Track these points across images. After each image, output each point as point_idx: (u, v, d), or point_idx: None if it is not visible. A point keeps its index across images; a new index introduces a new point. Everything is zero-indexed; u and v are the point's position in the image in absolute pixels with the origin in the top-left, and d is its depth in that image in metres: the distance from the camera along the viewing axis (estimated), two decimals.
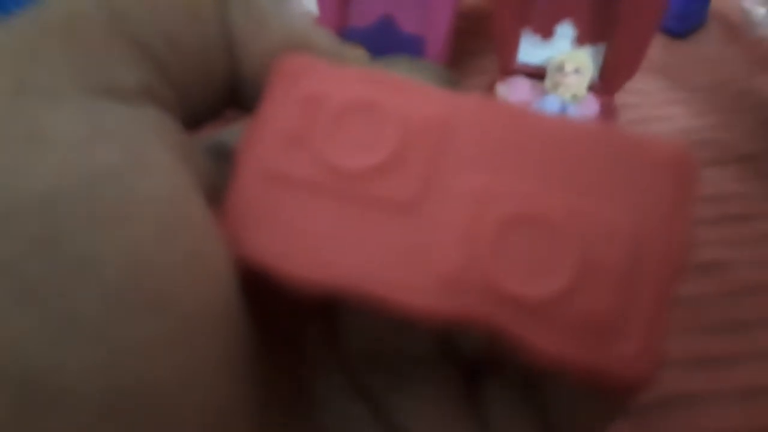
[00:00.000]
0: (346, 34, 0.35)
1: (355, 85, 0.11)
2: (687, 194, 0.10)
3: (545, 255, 0.09)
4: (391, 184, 0.10)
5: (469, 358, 0.13)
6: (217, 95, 0.11)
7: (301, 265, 0.10)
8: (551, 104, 0.32)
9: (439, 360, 0.12)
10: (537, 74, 0.34)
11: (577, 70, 0.32)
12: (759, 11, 0.44)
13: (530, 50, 0.34)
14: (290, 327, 0.12)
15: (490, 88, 0.34)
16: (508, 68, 0.34)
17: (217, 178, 0.11)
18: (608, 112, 0.33)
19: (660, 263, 0.09)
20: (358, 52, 0.12)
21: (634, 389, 0.09)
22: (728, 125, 0.36)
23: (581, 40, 0.33)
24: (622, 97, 0.36)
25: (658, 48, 0.41)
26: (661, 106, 0.37)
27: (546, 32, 0.34)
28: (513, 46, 0.34)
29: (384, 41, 0.34)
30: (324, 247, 0.10)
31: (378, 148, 0.10)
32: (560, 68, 0.32)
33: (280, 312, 0.12)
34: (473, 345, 0.13)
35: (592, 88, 0.33)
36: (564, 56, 0.32)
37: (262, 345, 0.11)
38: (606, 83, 0.33)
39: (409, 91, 0.11)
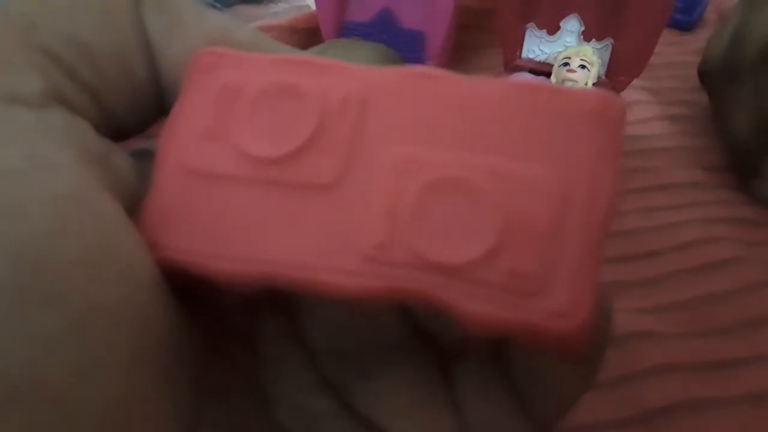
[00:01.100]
0: (345, 28, 0.35)
1: (271, 70, 0.11)
2: (613, 144, 0.09)
3: (468, 219, 0.09)
4: (311, 167, 0.10)
5: (439, 339, 0.12)
6: (143, 103, 0.11)
7: (222, 260, 0.10)
8: None
9: (410, 344, 0.12)
10: (542, 70, 0.33)
11: (583, 66, 0.31)
12: None
13: (535, 46, 0.34)
14: (243, 324, 0.12)
15: None
16: (513, 64, 0.34)
17: (145, 180, 0.11)
18: None
19: (586, 216, 0.09)
20: (280, 45, 0.12)
21: (566, 343, 0.09)
22: None
23: (587, 35, 0.33)
24: (629, 95, 0.35)
25: (665, 44, 0.40)
26: (670, 104, 0.36)
27: (552, 27, 0.33)
28: (517, 42, 0.33)
29: (383, 36, 0.34)
30: (245, 239, 0.10)
31: (296, 133, 0.10)
32: (566, 63, 0.31)
33: (228, 309, 0.12)
34: (443, 325, 0.12)
35: (598, 84, 0.32)
36: (570, 51, 0.32)
37: (203, 344, 0.11)
38: (613, 80, 0.32)
39: (327, 72, 0.10)
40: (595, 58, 0.31)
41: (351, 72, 0.10)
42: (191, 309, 0.11)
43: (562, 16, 0.33)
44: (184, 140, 0.10)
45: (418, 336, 0.12)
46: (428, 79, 0.10)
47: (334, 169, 0.10)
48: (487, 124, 0.10)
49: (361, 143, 0.10)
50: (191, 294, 0.11)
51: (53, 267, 0.08)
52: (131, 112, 0.11)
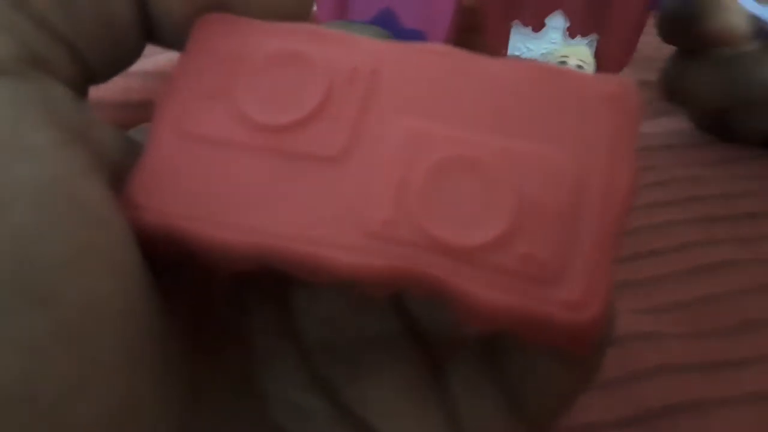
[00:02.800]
0: None
1: (280, 37, 0.10)
2: (631, 129, 0.09)
3: (480, 201, 0.09)
4: (317, 137, 0.10)
5: (432, 337, 0.12)
6: (119, 51, 0.11)
7: (213, 226, 0.09)
8: None
9: (401, 340, 0.12)
10: None
11: (580, 66, 0.31)
12: None
13: (521, 43, 0.34)
14: (232, 318, 0.12)
15: None
16: None
17: (129, 155, 0.10)
18: None
19: (604, 202, 0.09)
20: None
21: (579, 337, 0.09)
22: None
23: (573, 32, 0.33)
24: None
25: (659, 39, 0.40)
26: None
27: (537, 24, 0.33)
28: (503, 39, 0.33)
29: None
30: (241, 207, 0.09)
31: (302, 101, 0.10)
32: (563, 63, 0.31)
33: (216, 302, 0.12)
34: (436, 321, 0.12)
35: None
36: (566, 50, 0.32)
37: (192, 339, 0.10)
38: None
39: (337, 42, 0.10)
40: (591, 58, 0.31)
41: (361, 44, 0.10)
42: (177, 301, 0.10)
43: (547, 13, 0.33)
44: (183, 102, 0.10)
45: (411, 333, 0.12)
46: (442, 56, 0.10)
47: (341, 142, 0.10)
48: (503, 103, 0.09)
49: (371, 116, 0.10)
50: (176, 285, 0.10)
51: (40, 262, 0.07)
52: (106, 62, 0.11)
